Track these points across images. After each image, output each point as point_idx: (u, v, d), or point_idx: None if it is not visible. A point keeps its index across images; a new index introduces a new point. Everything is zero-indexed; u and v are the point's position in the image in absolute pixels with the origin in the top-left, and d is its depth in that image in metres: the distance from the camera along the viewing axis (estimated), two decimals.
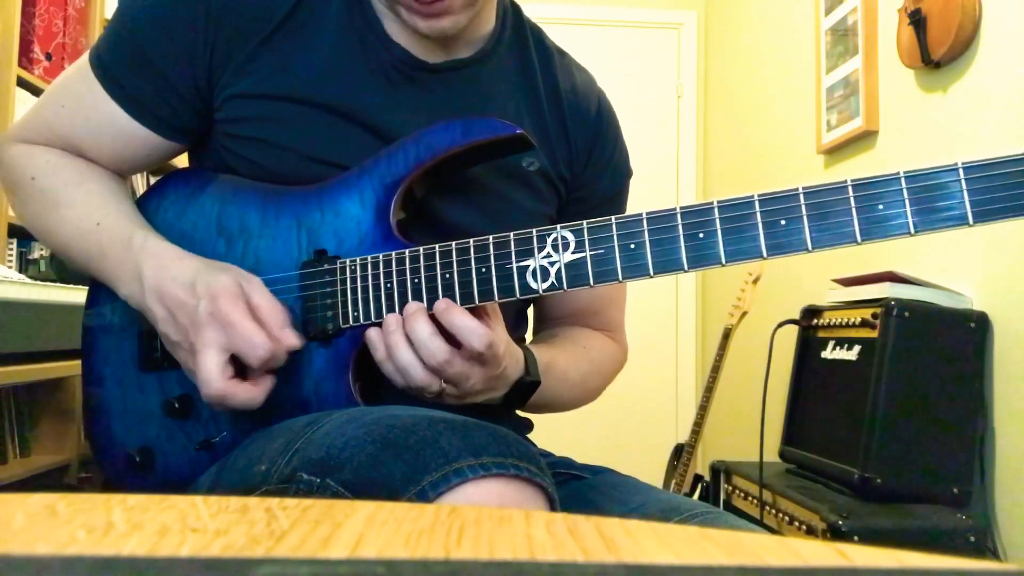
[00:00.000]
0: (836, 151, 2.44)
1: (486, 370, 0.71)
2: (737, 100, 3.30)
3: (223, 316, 0.69)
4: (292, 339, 0.72)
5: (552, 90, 0.89)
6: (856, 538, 1.50)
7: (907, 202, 0.61)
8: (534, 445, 0.88)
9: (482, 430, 0.57)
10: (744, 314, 2.38)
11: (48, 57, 2.26)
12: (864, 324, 1.77)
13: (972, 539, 1.54)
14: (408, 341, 0.69)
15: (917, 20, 1.91)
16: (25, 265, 2.13)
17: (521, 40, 0.89)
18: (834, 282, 2.01)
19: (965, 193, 0.60)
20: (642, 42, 3.63)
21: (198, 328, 0.70)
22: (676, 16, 3.64)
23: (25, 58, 2.17)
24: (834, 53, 2.42)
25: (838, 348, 1.89)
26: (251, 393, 0.70)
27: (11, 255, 2.10)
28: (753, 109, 3.12)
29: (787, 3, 2.82)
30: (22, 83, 2.06)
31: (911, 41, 1.95)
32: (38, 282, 1.70)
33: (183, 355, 0.73)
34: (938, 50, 1.86)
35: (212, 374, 0.69)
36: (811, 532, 1.63)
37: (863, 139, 2.28)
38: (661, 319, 3.52)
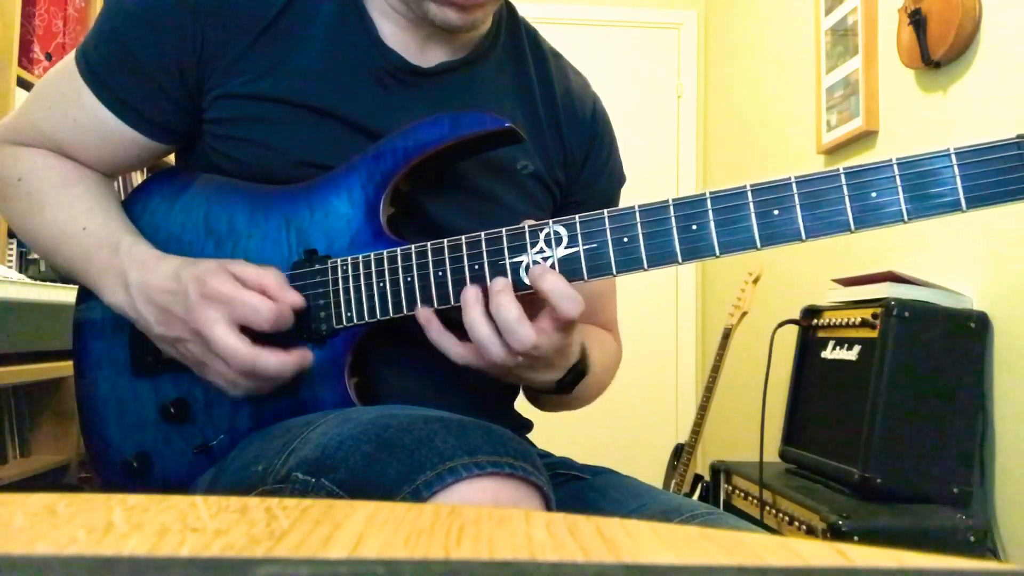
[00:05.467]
0: (836, 151, 2.44)
1: (565, 339, 0.69)
2: (737, 100, 3.30)
3: (215, 292, 0.69)
4: (292, 296, 0.71)
5: (547, 92, 0.88)
6: (856, 538, 1.50)
7: (900, 189, 0.61)
8: (533, 445, 0.88)
9: (478, 429, 0.57)
10: (744, 314, 2.38)
11: (48, 57, 2.26)
12: (864, 324, 1.77)
13: (972, 539, 1.54)
14: (487, 317, 0.67)
15: (917, 20, 1.91)
16: (25, 265, 2.13)
17: (516, 41, 0.89)
18: (834, 282, 2.01)
19: (958, 179, 0.60)
20: (642, 42, 3.63)
21: (194, 312, 0.69)
22: (676, 16, 3.64)
23: (25, 58, 2.17)
24: (834, 53, 2.42)
25: (838, 348, 1.89)
26: (282, 358, 0.69)
27: (11, 255, 2.10)
28: (753, 109, 3.12)
29: (787, 3, 2.82)
30: (22, 83, 2.06)
31: (911, 41, 1.95)
32: (38, 282, 1.70)
33: (191, 348, 0.72)
34: (938, 50, 1.86)
35: (234, 343, 0.68)
36: (811, 532, 1.63)
37: (863, 139, 2.28)
38: (661, 319, 3.52)
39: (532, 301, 0.68)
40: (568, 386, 0.77)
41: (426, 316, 0.70)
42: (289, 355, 0.70)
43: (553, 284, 0.66)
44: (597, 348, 0.88)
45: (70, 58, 0.81)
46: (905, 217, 0.61)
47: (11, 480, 1.86)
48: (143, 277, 0.73)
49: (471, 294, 0.68)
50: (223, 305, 0.69)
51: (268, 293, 0.70)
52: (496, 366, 0.69)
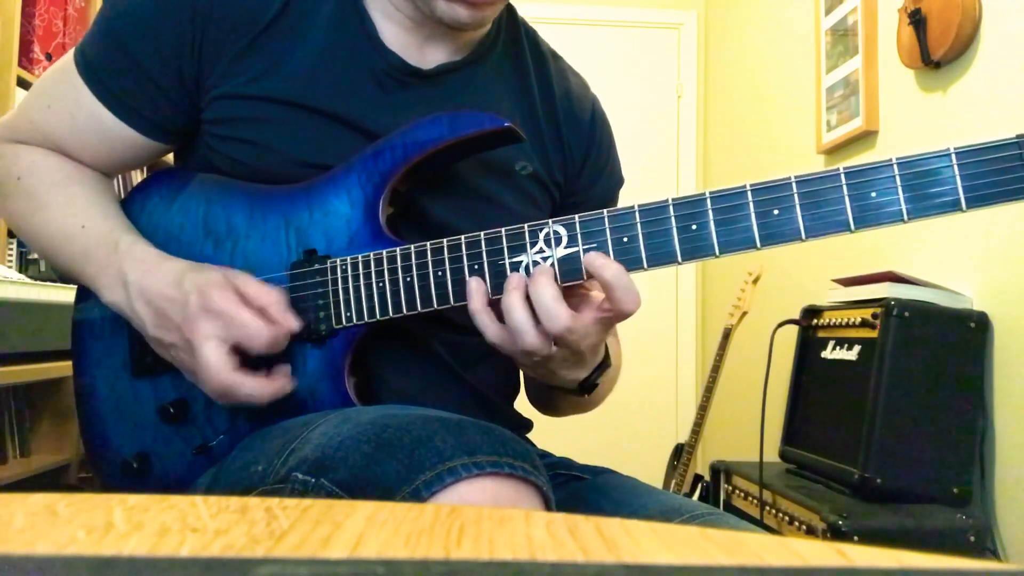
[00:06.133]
0: (836, 151, 2.44)
1: (603, 335, 0.68)
2: (737, 100, 3.30)
3: (216, 307, 0.69)
4: (291, 321, 0.71)
5: (546, 93, 0.88)
6: (856, 538, 1.50)
7: (900, 189, 0.61)
8: (533, 445, 0.88)
9: (477, 429, 0.57)
10: (744, 314, 2.38)
11: (48, 57, 2.25)
12: (864, 324, 1.77)
13: (972, 539, 1.54)
14: (527, 302, 0.66)
15: (917, 20, 1.91)
16: (25, 265, 2.13)
17: (515, 42, 0.88)
18: (834, 282, 2.01)
19: (958, 178, 0.60)
20: (642, 42, 3.63)
21: (191, 323, 0.69)
22: (676, 16, 3.64)
23: (25, 58, 2.17)
24: (834, 53, 2.42)
25: (838, 348, 1.89)
26: (259, 384, 0.69)
27: (11, 255, 2.10)
28: (753, 109, 3.12)
29: (787, 3, 2.82)
30: (22, 83, 2.06)
31: (911, 41, 1.95)
32: (38, 282, 1.70)
33: (180, 356, 0.72)
34: (938, 50, 1.86)
35: (217, 364, 0.68)
36: (811, 532, 1.63)
37: (863, 139, 2.28)
38: (661, 319, 3.52)
39: (573, 293, 0.68)
40: (591, 386, 0.76)
41: (477, 285, 0.69)
42: (268, 382, 0.70)
43: (616, 274, 0.65)
44: (612, 340, 0.87)
45: (68, 57, 0.81)
46: (905, 217, 0.61)
47: (11, 480, 1.86)
48: (143, 278, 0.73)
49: (514, 279, 0.67)
50: (221, 322, 0.69)
51: (268, 314, 0.70)
52: (527, 353, 0.67)
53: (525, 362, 0.70)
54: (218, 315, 0.69)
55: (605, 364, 0.76)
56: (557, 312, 0.65)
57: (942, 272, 1.88)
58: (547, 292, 0.65)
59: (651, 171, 3.51)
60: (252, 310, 0.70)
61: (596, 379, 0.75)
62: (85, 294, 0.84)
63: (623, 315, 0.66)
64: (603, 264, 0.65)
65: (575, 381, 0.74)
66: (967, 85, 1.84)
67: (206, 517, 0.32)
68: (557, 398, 0.86)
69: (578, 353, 0.69)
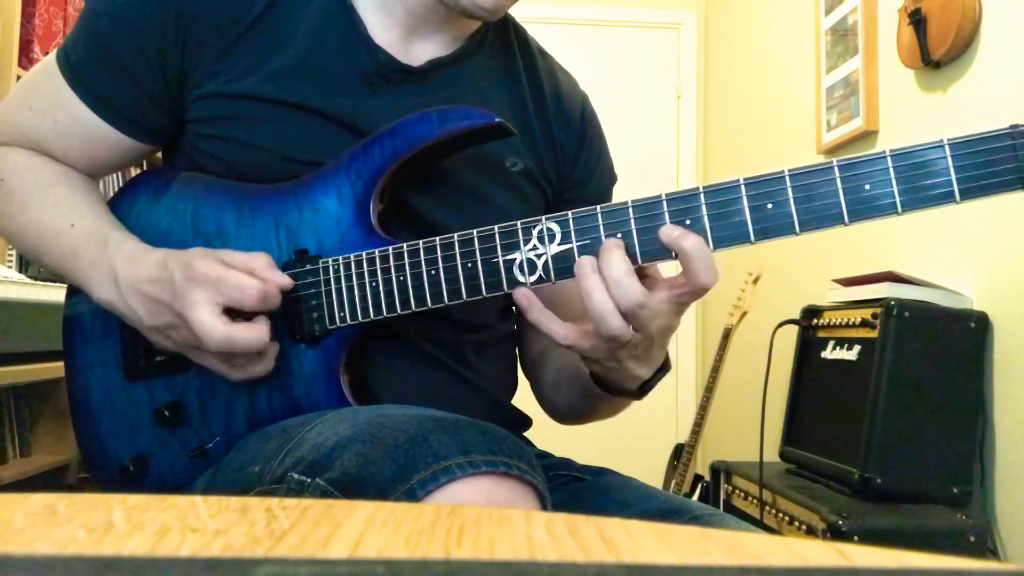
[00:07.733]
0: (836, 151, 2.44)
1: (675, 317, 0.67)
2: (737, 100, 3.30)
3: (201, 275, 0.68)
4: (281, 277, 0.70)
5: (536, 90, 0.87)
6: (856, 538, 1.50)
7: (894, 181, 0.60)
8: (532, 444, 0.88)
9: (473, 428, 0.57)
10: (744, 314, 2.38)
11: None
12: (864, 324, 1.77)
13: (972, 539, 1.54)
14: (605, 284, 0.64)
15: (917, 20, 1.91)
16: (25, 265, 2.13)
17: (504, 39, 0.88)
18: (834, 282, 2.01)
19: (952, 169, 0.60)
20: (642, 42, 3.63)
21: (180, 296, 0.68)
22: (676, 16, 3.64)
23: (25, 58, 2.17)
24: (834, 53, 2.42)
25: (838, 348, 1.89)
26: (254, 331, 0.68)
27: (11, 255, 2.10)
28: (753, 109, 3.12)
29: (787, 3, 2.82)
30: None
31: (911, 41, 1.95)
32: (38, 282, 1.70)
33: (180, 335, 0.71)
34: (938, 50, 1.86)
35: (210, 323, 0.67)
36: (811, 532, 1.63)
37: (863, 139, 2.28)
38: None
39: (641, 275, 0.66)
40: (648, 387, 0.75)
41: (526, 296, 0.68)
42: (258, 327, 0.69)
43: (697, 244, 0.63)
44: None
45: (51, 58, 0.80)
46: (899, 209, 0.60)
47: (11, 480, 1.87)
48: (131, 271, 0.72)
49: (586, 262, 0.65)
50: (209, 286, 0.68)
51: (255, 275, 0.69)
52: (611, 338, 0.66)
53: (599, 354, 0.68)
54: (205, 280, 0.68)
55: (666, 366, 0.74)
56: (629, 286, 0.63)
57: (942, 272, 1.88)
58: (620, 267, 0.64)
59: (651, 171, 3.51)
60: (238, 271, 0.69)
61: (656, 381, 0.74)
62: (74, 295, 0.83)
63: (700, 289, 0.64)
64: (681, 234, 0.64)
65: (638, 379, 0.73)
66: (967, 85, 1.84)
67: (206, 517, 0.32)
68: (598, 401, 0.83)
69: (648, 338, 0.67)
